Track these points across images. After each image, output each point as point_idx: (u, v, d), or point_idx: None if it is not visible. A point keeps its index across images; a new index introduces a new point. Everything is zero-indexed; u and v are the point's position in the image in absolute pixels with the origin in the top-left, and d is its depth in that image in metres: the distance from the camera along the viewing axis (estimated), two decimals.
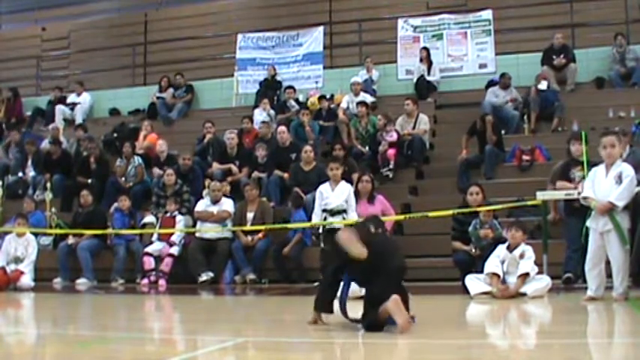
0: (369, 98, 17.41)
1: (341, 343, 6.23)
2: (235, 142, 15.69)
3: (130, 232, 14.23)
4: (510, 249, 9.66)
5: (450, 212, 11.48)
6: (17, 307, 11.10)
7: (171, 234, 13.85)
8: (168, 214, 14.05)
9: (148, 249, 13.74)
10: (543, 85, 16.08)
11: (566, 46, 17.44)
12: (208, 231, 13.76)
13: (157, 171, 15.71)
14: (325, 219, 12.17)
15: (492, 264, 9.61)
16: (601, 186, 8.68)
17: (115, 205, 14.96)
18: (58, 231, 14.88)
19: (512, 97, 16.47)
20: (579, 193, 9.31)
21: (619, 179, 8.54)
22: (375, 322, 6.44)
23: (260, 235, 13.40)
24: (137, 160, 16.21)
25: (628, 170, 8.61)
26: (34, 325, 8.91)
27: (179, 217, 14.04)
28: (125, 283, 13.76)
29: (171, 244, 13.76)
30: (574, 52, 17.42)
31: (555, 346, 5.82)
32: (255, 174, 15.10)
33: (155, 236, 13.93)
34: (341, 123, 16.58)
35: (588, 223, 8.78)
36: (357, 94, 17.56)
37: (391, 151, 14.98)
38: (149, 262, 13.58)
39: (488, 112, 15.21)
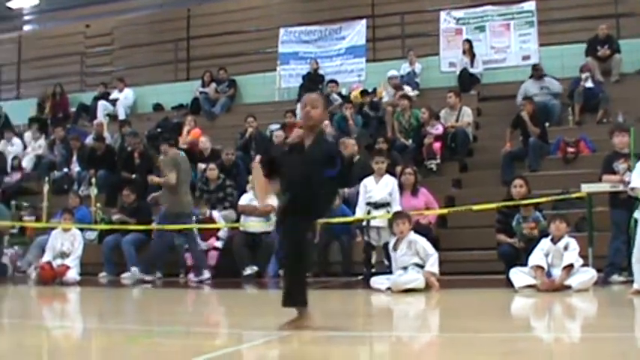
0: (409, 91, 17.39)
1: (386, 336, 6.23)
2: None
3: (171, 227, 14.15)
4: (554, 241, 9.58)
5: (494, 205, 11.42)
6: (63, 301, 11.24)
7: (213, 233, 13.86)
8: (201, 216, 13.96)
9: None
10: (589, 83, 15.93)
11: (611, 37, 17.23)
12: (252, 225, 13.81)
13: (200, 166, 15.75)
14: (369, 212, 12.06)
15: (537, 257, 9.53)
16: None
17: None
18: (104, 226, 14.97)
19: (545, 87, 16.34)
20: (627, 184, 9.18)
21: None
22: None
23: None
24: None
25: None
26: (81, 319, 9.02)
27: (216, 215, 14.05)
28: (169, 277, 13.82)
29: (217, 238, 13.82)
30: (618, 43, 17.20)
31: (603, 340, 5.77)
32: None
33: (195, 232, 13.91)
34: (388, 115, 16.42)
35: (636, 214, 8.69)
36: (395, 88, 17.54)
37: (437, 144, 14.86)
38: (190, 258, 13.63)
39: (524, 103, 15.12)
